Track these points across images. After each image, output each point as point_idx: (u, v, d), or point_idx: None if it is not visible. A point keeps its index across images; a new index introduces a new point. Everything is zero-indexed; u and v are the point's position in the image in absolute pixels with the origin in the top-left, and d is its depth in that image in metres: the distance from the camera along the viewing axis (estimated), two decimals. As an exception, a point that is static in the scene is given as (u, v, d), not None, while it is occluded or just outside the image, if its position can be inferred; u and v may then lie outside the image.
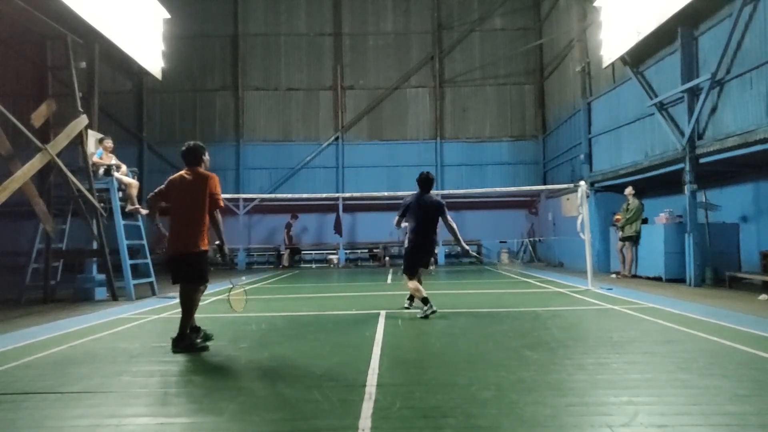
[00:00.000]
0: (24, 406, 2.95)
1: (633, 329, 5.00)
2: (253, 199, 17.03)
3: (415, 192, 6.31)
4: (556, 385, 3.18)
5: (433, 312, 5.78)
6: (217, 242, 4.55)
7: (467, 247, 6.50)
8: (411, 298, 6.46)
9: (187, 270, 4.36)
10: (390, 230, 17.39)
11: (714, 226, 9.58)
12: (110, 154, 8.85)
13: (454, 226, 6.21)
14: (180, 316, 4.38)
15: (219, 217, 4.48)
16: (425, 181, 6.23)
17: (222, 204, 4.48)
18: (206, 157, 4.61)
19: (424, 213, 6.12)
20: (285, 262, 16.99)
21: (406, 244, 6.70)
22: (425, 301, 5.85)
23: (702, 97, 8.70)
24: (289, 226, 17.07)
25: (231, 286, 5.58)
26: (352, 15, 18.87)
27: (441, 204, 6.23)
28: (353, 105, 18.70)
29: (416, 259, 6.23)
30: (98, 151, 8.72)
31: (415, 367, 3.59)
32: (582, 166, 13.69)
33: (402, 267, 6.42)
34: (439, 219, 6.20)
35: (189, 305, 4.37)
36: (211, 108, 18.62)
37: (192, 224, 4.33)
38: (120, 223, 8.50)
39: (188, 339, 4.30)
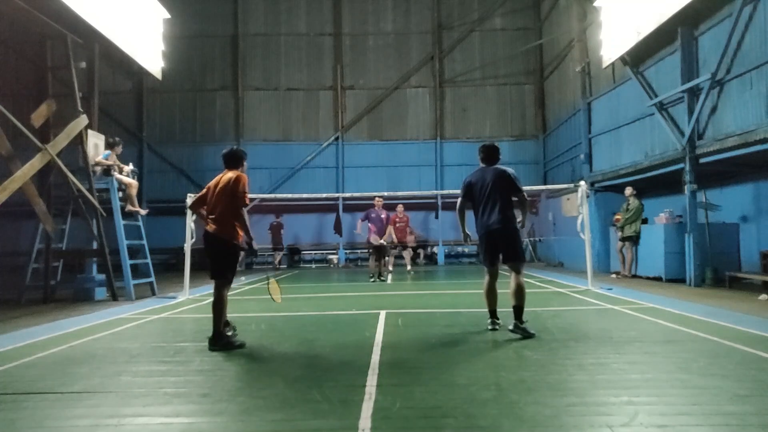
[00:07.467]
0: (24, 406, 2.95)
1: (633, 329, 5.00)
2: (253, 199, 16.97)
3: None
4: (556, 385, 3.18)
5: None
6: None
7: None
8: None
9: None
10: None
11: (714, 226, 9.56)
12: (113, 156, 8.86)
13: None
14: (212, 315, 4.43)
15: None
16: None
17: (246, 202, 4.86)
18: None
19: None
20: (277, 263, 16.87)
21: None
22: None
23: (702, 97, 8.69)
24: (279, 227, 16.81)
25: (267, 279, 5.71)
26: (352, 15, 18.86)
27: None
28: (353, 105, 18.68)
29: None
30: (106, 152, 8.73)
31: (415, 367, 3.59)
32: (582, 166, 13.68)
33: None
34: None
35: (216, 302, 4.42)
36: (211, 108, 18.60)
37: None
38: (120, 223, 8.50)
39: (225, 337, 4.36)
